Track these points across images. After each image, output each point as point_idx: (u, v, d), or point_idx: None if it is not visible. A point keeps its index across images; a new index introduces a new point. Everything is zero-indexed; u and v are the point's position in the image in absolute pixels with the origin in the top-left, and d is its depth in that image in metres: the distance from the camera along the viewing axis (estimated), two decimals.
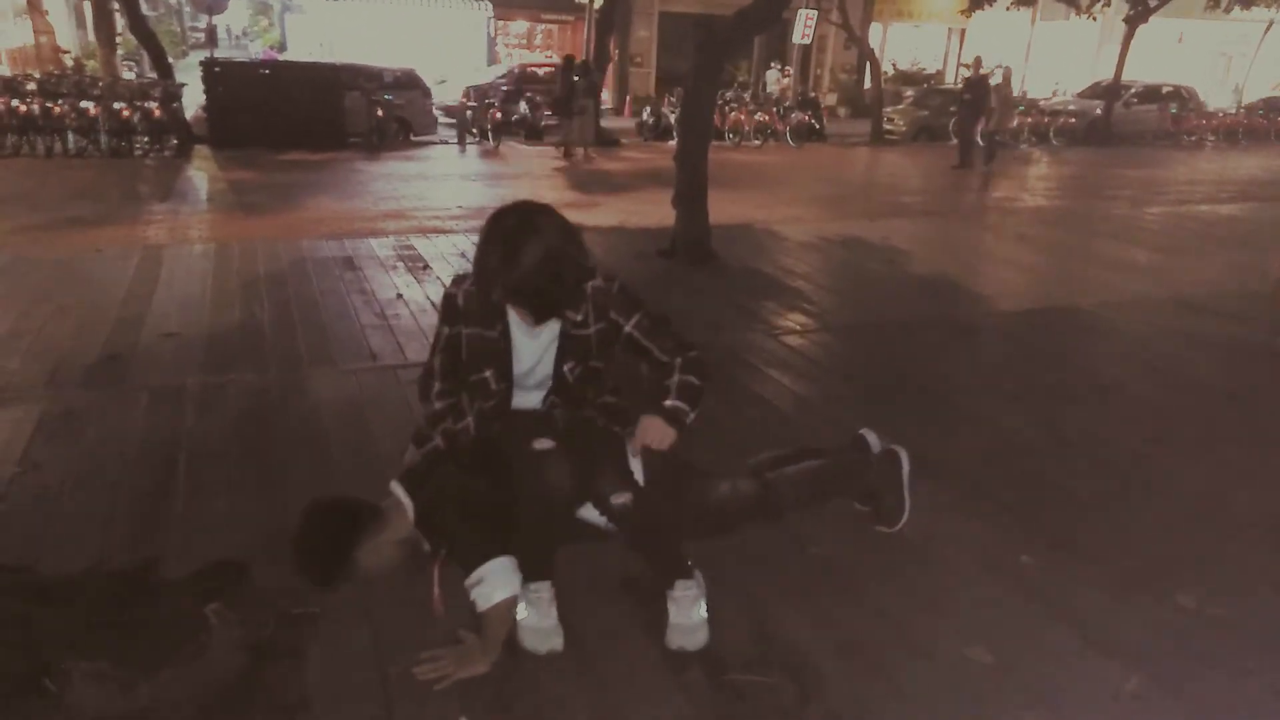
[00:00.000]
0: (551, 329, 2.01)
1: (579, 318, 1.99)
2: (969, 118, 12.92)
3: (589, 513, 2.01)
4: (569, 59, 13.98)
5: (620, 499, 1.88)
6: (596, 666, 1.88)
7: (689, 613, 1.96)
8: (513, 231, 1.82)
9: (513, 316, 2.03)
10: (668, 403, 1.93)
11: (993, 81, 13.37)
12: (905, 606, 2.12)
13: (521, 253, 1.79)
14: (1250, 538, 2.52)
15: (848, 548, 2.36)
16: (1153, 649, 1.98)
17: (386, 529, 1.95)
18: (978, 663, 1.92)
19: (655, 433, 1.90)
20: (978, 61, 13.64)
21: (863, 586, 2.20)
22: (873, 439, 2.43)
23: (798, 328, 4.57)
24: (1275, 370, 4.17)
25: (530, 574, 1.98)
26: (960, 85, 14.83)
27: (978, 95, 12.85)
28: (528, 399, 2.12)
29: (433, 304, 4.73)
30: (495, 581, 1.84)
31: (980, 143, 12.89)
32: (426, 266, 5.58)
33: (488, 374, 2.07)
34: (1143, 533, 2.52)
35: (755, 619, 2.05)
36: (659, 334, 2.02)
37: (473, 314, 2.05)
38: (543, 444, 1.93)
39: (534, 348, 2.04)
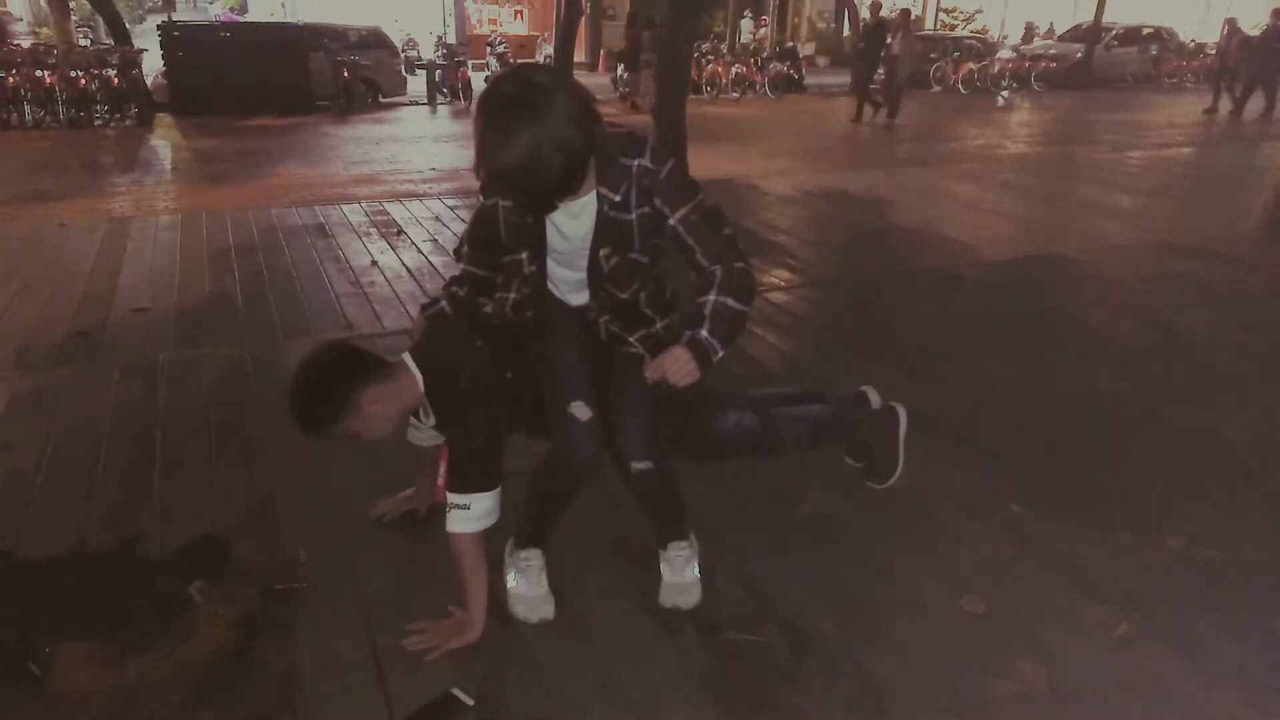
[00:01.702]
0: (590, 210, 1.73)
1: (617, 198, 1.71)
2: (865, 68, 12.26)
3: None
4: (634, 15, 13.96)
5: (641, 465, 1.80)
6: (589, 630, 1.87)
7: (683, 572, 1.95)
8: (503, 107, 1.53)
9: None
10: (702, 334, 1.71)
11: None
12: (897, 559, 2.12)
13: (506, 136, 1.50)
14: (1237, 480, 2.54)
15: (838, 504, 2.35)
16: (1143, 593, 1.99)
17: (395, 385, 1.80)
18: (970, 612, 1.92)
19: (679, 369, 1.69)
20: (875, 7, 12.99)
21: (854, 541, 2.20)
22: (874, 397, 2.40)
23: (782, 284, 4.53)
24: (1262, 313, 4.19)
25: (524, 541, 1.96)
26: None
27: (872, 44, 12.20)
28: (571, 295, 1.93)
29: (409, 270, 4.63)
30: (478, 512, 1.75)
31: (879, 94, 12.16)
32: (401, 232, 5.46)
33: (523, 255, 1.84)
34: (1131, 478, 2.53)
35: (747, 578, 2.04)
36: (706, 233, 1.75)
37: None
38: (580, 410, 1.78)
39: (574, 228, 1.77)
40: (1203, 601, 1.97)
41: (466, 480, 1.77)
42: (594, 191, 1.72)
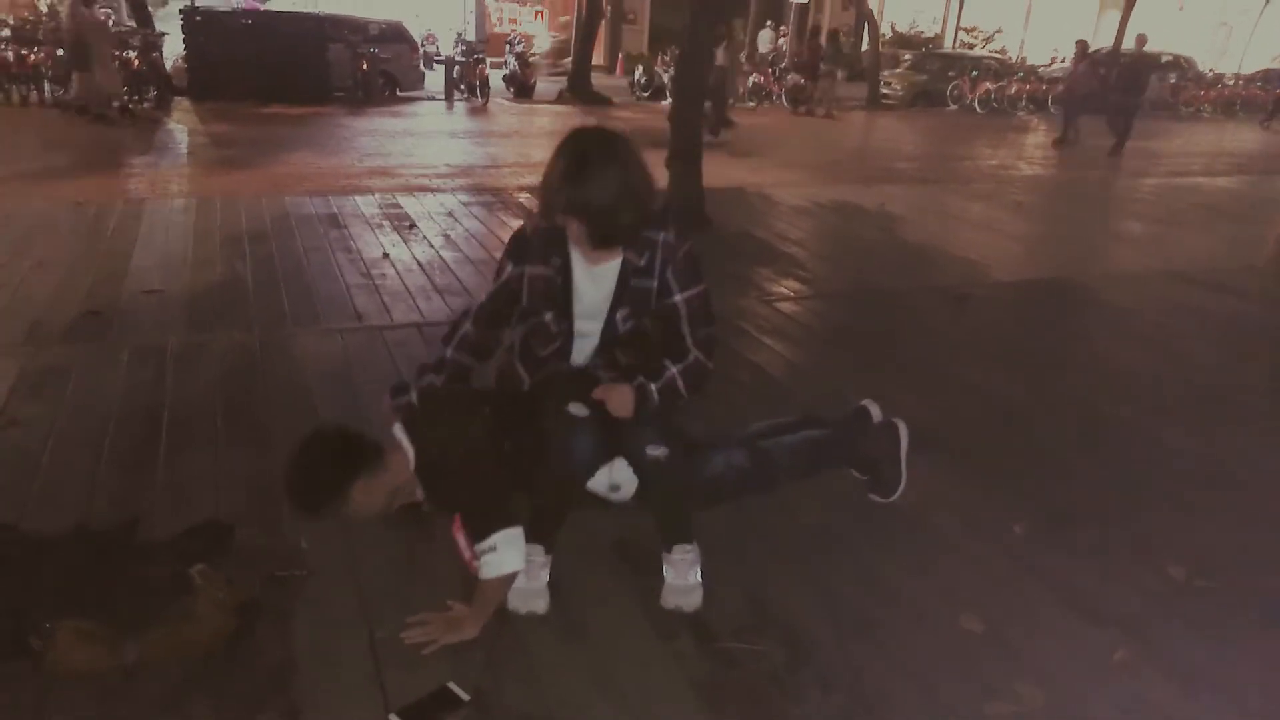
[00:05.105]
0: (612, 274, 1.93)
1: (641, 262, 1.91)
2: None
3: (593, 481, 1.98)
4: (816, 29, 14.74)
5: (656, 451, 1.86)
6: (587, 632, 1.87)
7: (685, 575, 1.96)
8: (589, 149, 1.79)
9: (575, 254, 1.94)
10: (651, 386, 1.89)
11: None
12: (897, 574, 2.11)
13: (592, 171, 1.76)
14: (1239, 510, 2.53)
15: (840, 516, 2.35)
16: (1142, 618, 1.99)
17: (386, 471, 1.87)
18: (968, 631, 1.92)
19: (618, 401, 1.86)
20: None
21: (855, 554, 2.19)
22: (875, 410, 2.41)
23: (791, 294, 4.54)
24: (1267, 344, 4.18)
25: (529, 536, 1.96)
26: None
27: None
28: (580, 355, 2.04)
29: (419, 264, 4.65)
30: (507, 550, 1.79)
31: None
32: (413, 226, 5.48)
33: (547, 317, 1.98)
34: (1133, 503, 2.52)
35: (747, 587, 2.04)
36: (698, 323, 1.96)
37: (537, 249, 1.96)
38: (578, 409, 1.87)
39: (594, 292, 1.95)
40: (1201, 629, 1.96)
41: (485, 523, 1.80)
42: (619, 258, 1.91)
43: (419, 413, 2.01)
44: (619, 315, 1.96)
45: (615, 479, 1.98)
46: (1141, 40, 12.27)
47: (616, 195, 1.77)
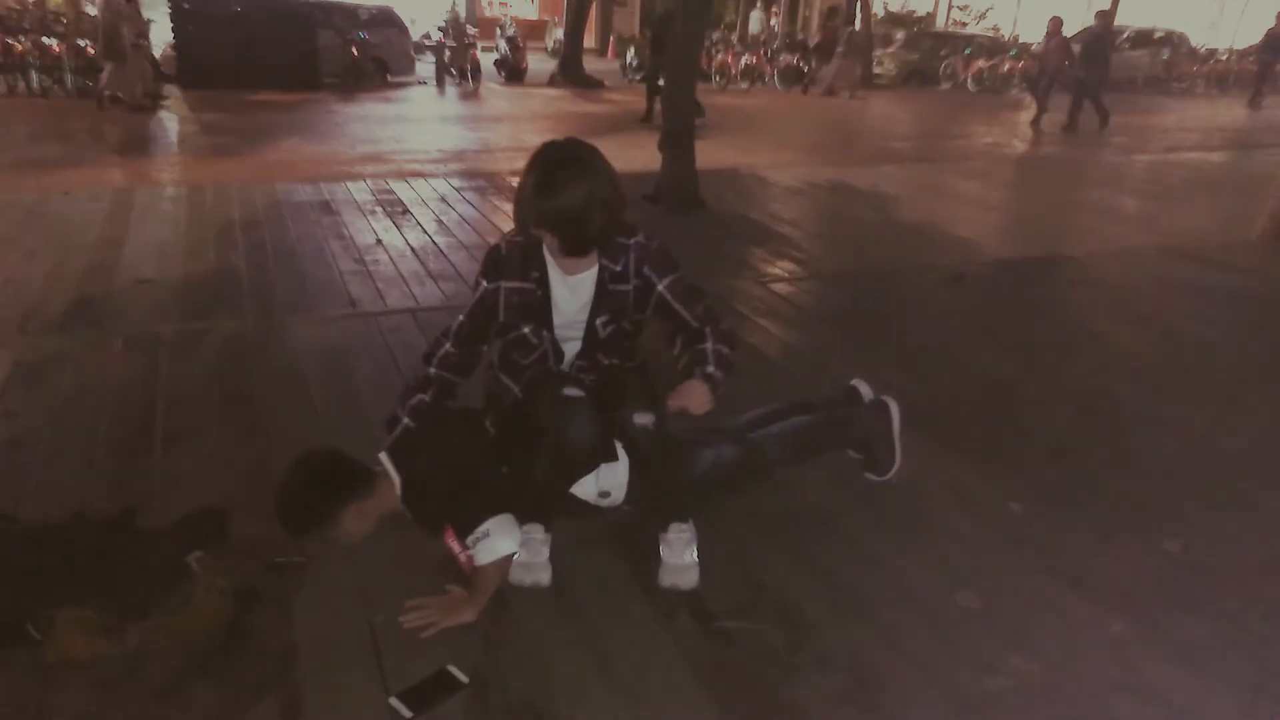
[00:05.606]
0: (589, 282, 1.97)
1: (617, 268, 1.96)
2: (656, 61, 10.30)
3: (581, 489, 2.00)
4: (834, 9, 14.64)
5: (644, 419, 1.87)
6: (585, 614, 1.88)
7: (682, 554, 1.97)
8: (558, 161, 1.84)
9: (552, 266, 1.98)
10: (710, 369, 1.92)
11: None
12: (894, 553, 2.12)
13: (561, 182, 1.80)
14: (1234, 484, 2.54)
15: (837, 495, 2.36)
16: (1137, 594, 2.00)
17: (374, 497, 1.91)
18: (966, 608, 1.93)
19: (697, 398, 1.88)
20: None
21: (851, 533, 2.20)
22: (865, 389, 2.41)
23: (786, 275, 4.53)
24: (1262, 318, 4.19)
25: (528, 517, 1.98)
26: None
27: (660, 36, 9.98)
28: (561, 362, 2.09)
29: (412, 249, 4.63)
30: (500, 535, 1.82)
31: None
32: (406, 211, 5.45)
33: (526, 330, 2.03)
34: (1130, 480, 2.53)
35: (745, 566, 2.05)
36: (691, 300, 2.01)
37: (513, 264, 2.00)
38: (572, 391, 1.90)
39: (572, 301, 2.00)
40: (1197, 604, 1.97)
41: (470, 518, 1.83)
42: (594, 266, 1.96)
43: (405, 441, 2.03)
44: (599, 321, 2.00)
45: (604, 485, 2.00)
46: (1102, 15, 12.17)
47: (585, 204, 1.81)
